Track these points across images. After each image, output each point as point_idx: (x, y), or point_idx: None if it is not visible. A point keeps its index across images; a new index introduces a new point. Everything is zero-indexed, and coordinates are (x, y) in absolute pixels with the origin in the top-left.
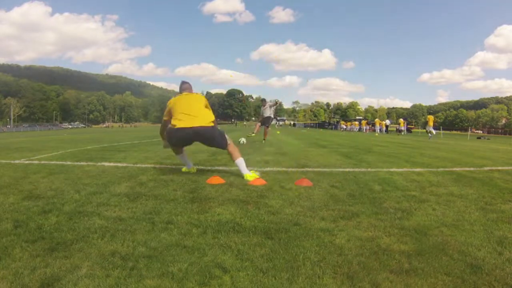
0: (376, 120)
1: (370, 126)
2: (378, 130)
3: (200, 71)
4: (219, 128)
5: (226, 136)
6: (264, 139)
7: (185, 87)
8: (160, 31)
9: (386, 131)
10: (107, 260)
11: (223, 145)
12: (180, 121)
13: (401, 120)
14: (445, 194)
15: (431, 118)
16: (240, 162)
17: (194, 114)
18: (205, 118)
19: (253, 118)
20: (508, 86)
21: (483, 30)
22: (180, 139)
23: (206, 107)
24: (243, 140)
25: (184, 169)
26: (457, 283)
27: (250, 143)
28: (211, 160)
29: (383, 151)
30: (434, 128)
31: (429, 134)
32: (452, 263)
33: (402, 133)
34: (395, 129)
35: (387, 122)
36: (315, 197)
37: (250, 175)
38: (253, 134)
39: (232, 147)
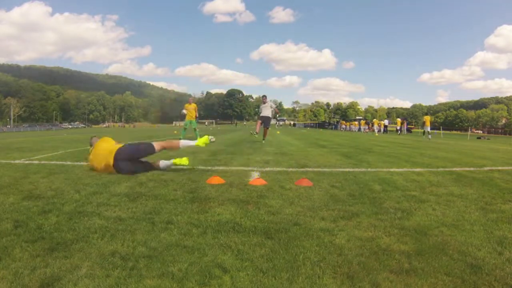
0: (375, 120)
1: (370, 126)
2: (377, 131)
3: (200, 71)
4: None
5: (145, 145)
6: (263, 139)
7: (92, 141)
8: (160, 31)
9: (385, 131)
10: (107, 260)
11: (149, 151)
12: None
13: (398, 119)
14: (445, 194)
15: (427, 118)
16: (183, 143)
17: (108, 159)
18: (112, 149)
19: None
20: (508, 86)
21: (483, 30)
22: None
23: (113, 145)
24: (211, 138)
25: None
26: (457, 283)
27: (250, 143)
28: (211, 160)
29: (383, 151)
30: (408, 129)
31: (429, 135)
32: (452, 263)
33: (399, 132)
34: (395, 129)
35: (386, 122)
36: (315, 197)
37: (198, 141)
38: (256, 134)
39: (164, 144)
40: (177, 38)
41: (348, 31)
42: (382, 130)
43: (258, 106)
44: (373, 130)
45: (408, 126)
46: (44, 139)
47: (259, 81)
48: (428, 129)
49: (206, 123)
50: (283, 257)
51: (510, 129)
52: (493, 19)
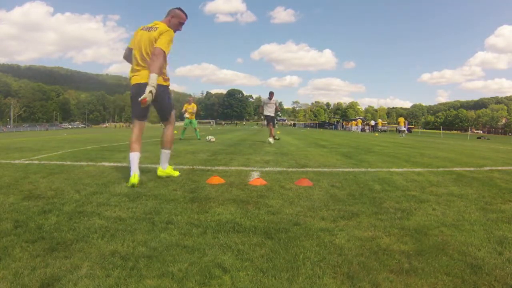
0: (358, 120)
1: (371, 126)
2: (354, 129)
3: (200, 71)
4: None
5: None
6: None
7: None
8: None
9: (374, 130)
10: (107, 260)
11: (165, 115)
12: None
13: (380, 120)
14: (445, 194)
15: (401, 119)
16: (167, 154)
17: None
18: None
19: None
20: (508, 86)
21: (483, 30)
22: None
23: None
24: (211, 138)
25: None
26: (457, 283)
27: (250, 143)
28: (211, 160)
29: (383, 151)
30: (408, 129)
31: (403, 133)
32: (452, 263)
33: (377, 132)
34: (395, 129)
35: (372, 122)
36: (315, 197)
37: (167, 169)
38: (278, 138)
39: (170, 135)
40: (178, 38)
41: (349, 31)
42: (371, 129)
43: (258, 106)
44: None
45: (409, 126)
46: (44, 139)
47: (259, 81)
48: (402, 128)
49: (211, 124)
50: (283, 257)
51: (510, 129)
52: (493, 19)
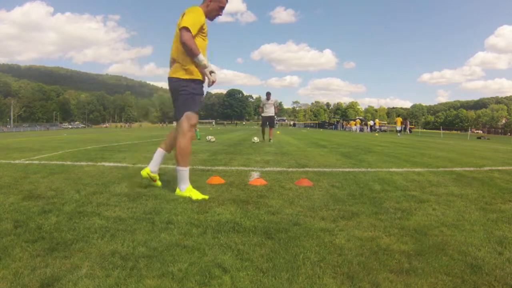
0: (357, 120)
1: (369, 126)
2: (354, 129)
3: None
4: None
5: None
6: (270, 139)
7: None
8: (162, 31)
9: (373, 130)
10: (107, 260)
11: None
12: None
13: (377, 120)
14: (445, 194)
15: (399, 119)
16: (184, 171)
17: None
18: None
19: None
20: (508, 86)
21: (483, 30)
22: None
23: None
24: (211, 138)
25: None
26: (457, 283)
27: (250, 143)
28: (211, 160)
29: (383, 151)
30: (409, 129)
31: (398, 133)
32: (452, 263)
33: (377, 132)
34: (395, 129)
35: (371, 122)
36: (315, 197)
37: (185, 190)
38: (271, 140)
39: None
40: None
41: (349, 31)
42: (369, 129)
43: (258, 106)
44: (356, 130)
45: (410, 126)
46: (44, 139)
47: (259, 81)
48: (398, 128)
49: (212, 123)
50: (283, 257)
51: (510, 129)
52: (493, 19)
